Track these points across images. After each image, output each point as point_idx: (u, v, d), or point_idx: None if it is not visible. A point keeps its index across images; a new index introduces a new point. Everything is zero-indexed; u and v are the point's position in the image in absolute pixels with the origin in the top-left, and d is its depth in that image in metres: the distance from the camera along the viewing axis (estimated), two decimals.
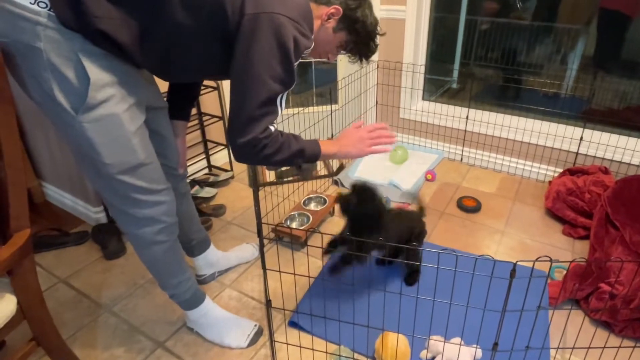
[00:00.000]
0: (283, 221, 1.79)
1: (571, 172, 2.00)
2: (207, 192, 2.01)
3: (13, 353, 1.05)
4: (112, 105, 0.93)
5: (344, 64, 2.46)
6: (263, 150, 0.99)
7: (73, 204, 1.90)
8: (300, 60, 1.00)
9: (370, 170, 2.28)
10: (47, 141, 1.78)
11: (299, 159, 1.07)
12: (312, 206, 1.89)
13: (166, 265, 1.16)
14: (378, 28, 1.15)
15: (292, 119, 2.28)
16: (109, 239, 1.67)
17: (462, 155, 2.39)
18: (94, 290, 1.52)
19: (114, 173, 0.97)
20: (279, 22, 0.91)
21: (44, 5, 0.84)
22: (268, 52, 0.92)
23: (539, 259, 0.96)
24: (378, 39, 1.16)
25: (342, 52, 1.17)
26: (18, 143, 0.96)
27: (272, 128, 1.00)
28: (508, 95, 2.56)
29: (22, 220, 1.00)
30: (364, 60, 1.18)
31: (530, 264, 0.92)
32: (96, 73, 0.89)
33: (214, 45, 0.96)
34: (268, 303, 1.21)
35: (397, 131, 2.58)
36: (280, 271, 1.15)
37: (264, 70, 0.93)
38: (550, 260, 0.92)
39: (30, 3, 0.84)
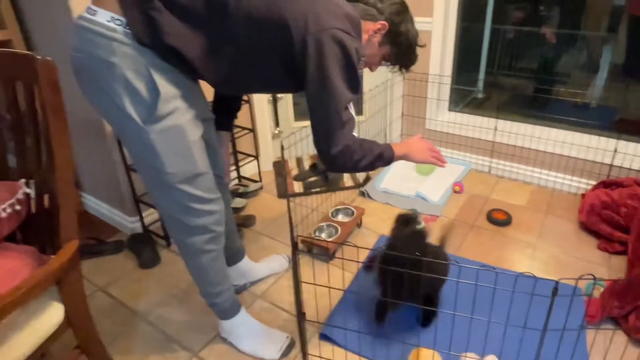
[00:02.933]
0: (312, 232, 1.80)
1: (605, 184, 1.96)
2: (237, 202, 2.04)
3: None
4: (177, 117, 0.98)
5: (369, 76, 2.47)
6: (353, 156, 1.05)
7: (110, 214, 1.96)
8: None
9: (396, 181, 2.28)
10: (87, 153, 1.84)
11: (379, 162, 1.14)
12: (340, 217, 1.90)
13: (211, 274, 1.20)
14: (418, 40, 1.20)
15: None
16: (144, 248, 1.72)
17: (490, 166, 2.36)
18: (130, 298, 1.56)
19: (175, 182, 1.02)
20: (341, 37, 0.96)
21: (119, 23, 0.90)
22: (338, 64, 0.97)
23: (582, 277, 0.94)
24: (418, 50, 1.21)
25: (384, 63, 1.20)
26: (70, 157, 1.01)
27: (355, 134, 1.05)
28: (536, 105, 2.53)
29: (71, 231, 1.04)
30: (403, 70, 1.23)
31: (566, 281, 0.90)
32: (165, 86, 0.94)
33: (277, 61, 1.00)
34: (302, 316, 1.22)
35: None
36: (315, 284, 1.17)
37: (338, 81, 0.98)
38: (594, 278, 0.90)
39: (107, 21, 0.89)
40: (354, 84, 1.01)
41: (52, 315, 1.01)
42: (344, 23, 0.98)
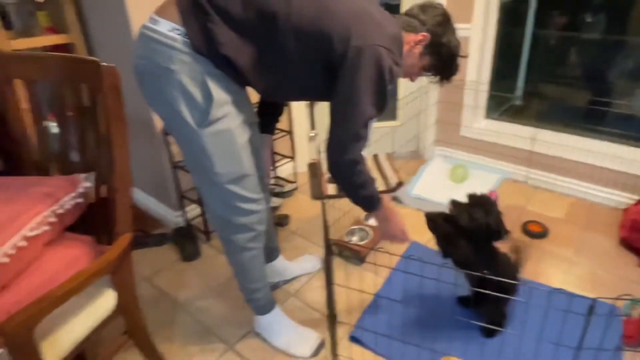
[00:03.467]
0: (344, 235, 1.84)
1: None
2: (273, 202, 2.11)
3: (108, 344, 1.18)
4: (228, 121, 1.04)
5: (405, 82, 2.48)
6: (355, 176, 1.09)
7: (155, 207, 2.07)
8: None
9: (429, 188, 2.28)
10: (137, 150, 1.95)
11: (367, 201, 1.18)
12: (372, 221, 1.93)
13: (250, 271, 1.26)
14: (460, 50, 1.20)
15: None
16: (186, 242, 1.81)
17: (527, 176, 2.32)
18: (172, 289, 1.65)
19: (224, 182, 1.09)
20: (380, 54, 0.99)
21: (179, 33, 0.97)
22: (369, 80, 1.00)
23: (620, 297, 0.93)
24: (459, 60, 1.21)
25: (424, 74, 1.22)
26: (128, 157, 1.09)
27: (365, 155, 1.09)
28: (577, 114, 2.45)
29: (126, 224, 1.13)
30: (444, 80, 1.24)
31: (610, 299, 0.89)
32: (218, 92, 1.01)
33: (319, 71, 1.05)
34: (333, 317, 1.25)
35: (458, 149, 2.55)
36: (347, 287, 1.20)
37: (365, 96, 1.01)
38: (632, 299, 0.89)
39: (168, 30, 0.97)
40: (381, 103, 1.05)
41: (106, 301, 1.10)
42: (387, 41, 1.02)
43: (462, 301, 1.50)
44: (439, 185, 2.32)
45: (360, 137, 1.06)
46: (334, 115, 1.06)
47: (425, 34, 1.14)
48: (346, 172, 1.09)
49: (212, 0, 0.97)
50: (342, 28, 0.99)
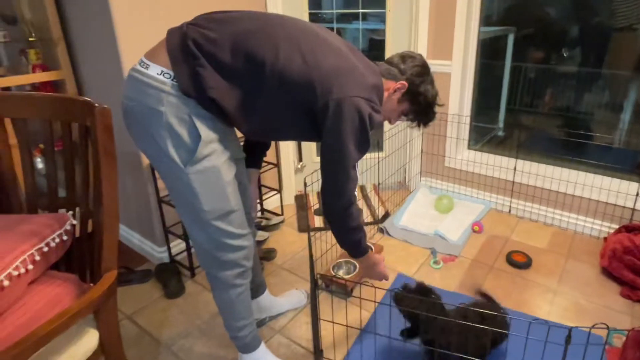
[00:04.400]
0: (330, 268, 1.84)
1: (628, 229, 1.94)
2: (259, 235, 2.11)
3: None
4: (215, 159, 1.07)
5: None
6: (349, 219, 1.16)
7: (140, 243, 2.05)
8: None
9: (415, 219, 2.31)
10: (123, 184, 1.96)
11: (357, 247, 1.25)
12: None
13: (237, 308, 1.25)
14: (437, 99, 1.26)
15: None
16: (170, 278, 1.79)
17: (510, 206, 2.37)
18: (155, 328, 1.61)
19: (210, 219, 1.10)
20: (358, 104, 1.05)
21: (168, 76, 1.01)
22: (352, 128, 1.06)
23: (595, 326, 0.95)
24: (436, 108, 1.27)
25: (403, 118, 1.28)
26: (116, 194, 1.10)
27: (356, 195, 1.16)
28: (558, 145, 2.54)
29: (111, 262, 1.12)
30: (422, 125, 1.30)
31: (586, 328, 0.91)
32: (205, 132, 1.04)
33: (301, 116, 1.10)
34: (319, 354, 1.25)
35: (443, 180, 2.61)
36: (333, 322, 1.20)
37: (350, 143, 1.07)
38: (607, 328, 0.91)
39: (157, 74, 1.01)
40: (364, 147, 1.12)
41: (88, 341, 1.08)
42: (366, 92, 1.09)
43: None
44: (424, 216, 2.35)
45: (350, 179, 1.12)
46: (325, 162, 1.12)
47: (403, 82, 1.21)
48: (341, 214, 1.15)
49: (201, 45, 1.02)
50: (325, 81, 1.05)
